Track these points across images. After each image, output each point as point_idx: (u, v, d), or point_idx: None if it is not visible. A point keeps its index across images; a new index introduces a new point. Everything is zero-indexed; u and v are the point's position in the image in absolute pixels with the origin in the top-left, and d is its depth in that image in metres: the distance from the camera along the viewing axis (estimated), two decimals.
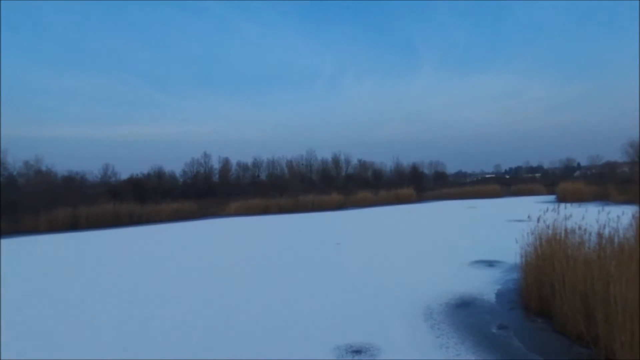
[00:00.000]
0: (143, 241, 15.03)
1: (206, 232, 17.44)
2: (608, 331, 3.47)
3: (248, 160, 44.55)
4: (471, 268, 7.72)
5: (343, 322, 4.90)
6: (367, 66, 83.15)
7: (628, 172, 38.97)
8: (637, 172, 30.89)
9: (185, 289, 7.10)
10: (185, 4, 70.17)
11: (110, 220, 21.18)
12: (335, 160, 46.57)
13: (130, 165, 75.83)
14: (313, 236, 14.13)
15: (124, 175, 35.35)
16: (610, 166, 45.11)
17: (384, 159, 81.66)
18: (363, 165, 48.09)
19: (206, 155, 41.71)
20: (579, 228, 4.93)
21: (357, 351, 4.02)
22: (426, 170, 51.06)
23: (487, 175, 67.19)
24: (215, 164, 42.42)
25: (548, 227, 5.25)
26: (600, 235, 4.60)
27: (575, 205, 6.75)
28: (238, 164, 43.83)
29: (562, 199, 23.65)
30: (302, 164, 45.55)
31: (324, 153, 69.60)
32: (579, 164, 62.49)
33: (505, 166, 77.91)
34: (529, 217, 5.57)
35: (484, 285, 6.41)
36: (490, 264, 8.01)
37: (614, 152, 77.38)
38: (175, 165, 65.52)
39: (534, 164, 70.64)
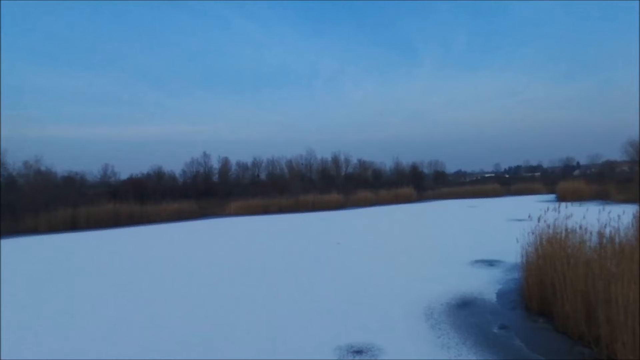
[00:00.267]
0: (143, 241, 15.02)
1: (206, 232, 17.43)
2: (609, 331, 3.47)
3: (248, 160, 44.55)
4: (472, 268, 7.72)
5: (344, 322, 4.90)
6: (366, 65, 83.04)
7: (628, 171, 39.05)
8: (637, 171, 30.88)
9: (186, 289, 7.10)
10: (185, 3, 70.02)
11: (110, 220, 21.17)
12: (335, 160, 46.53)
13: (130, 165, 75.97)
14: (313, 236, 14.11)
15: (124, 175, 35.50)
16: (610, 165, 45.16)
17: (384, 159, 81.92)
18: (363, 164, 48.05)
19: (206, 155, 41.62)
20: (580, 227, 4.94)
21: (359, 351, 4.02)
22: (426, 170, 50.97)
23: (487, 175, 67.17)
24: (215, 164, 42.35)
25: (549, 226, 5.25)
26: (601, 234, 4.61)
27: (575, 204, 6.76)
28: (238, 163, 43.79)
29: (562, 198, 23.69)
30: (302, 164, 45.55)
31: (324, 153, 69.90)
32: (578, 163, 62.46)
33: (504, 165, 77.77)
34: (529, 216, 5.58)
35: (485, 285, 6.42)
36: (491, 263, 8.01)
37: (614, 151, 77.52)
38: (175, 165, 65.58)
39: (534, 163, 70.56)
